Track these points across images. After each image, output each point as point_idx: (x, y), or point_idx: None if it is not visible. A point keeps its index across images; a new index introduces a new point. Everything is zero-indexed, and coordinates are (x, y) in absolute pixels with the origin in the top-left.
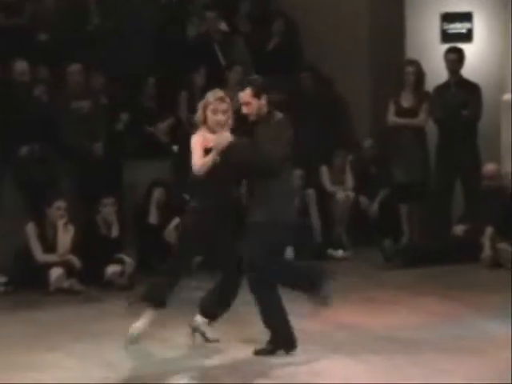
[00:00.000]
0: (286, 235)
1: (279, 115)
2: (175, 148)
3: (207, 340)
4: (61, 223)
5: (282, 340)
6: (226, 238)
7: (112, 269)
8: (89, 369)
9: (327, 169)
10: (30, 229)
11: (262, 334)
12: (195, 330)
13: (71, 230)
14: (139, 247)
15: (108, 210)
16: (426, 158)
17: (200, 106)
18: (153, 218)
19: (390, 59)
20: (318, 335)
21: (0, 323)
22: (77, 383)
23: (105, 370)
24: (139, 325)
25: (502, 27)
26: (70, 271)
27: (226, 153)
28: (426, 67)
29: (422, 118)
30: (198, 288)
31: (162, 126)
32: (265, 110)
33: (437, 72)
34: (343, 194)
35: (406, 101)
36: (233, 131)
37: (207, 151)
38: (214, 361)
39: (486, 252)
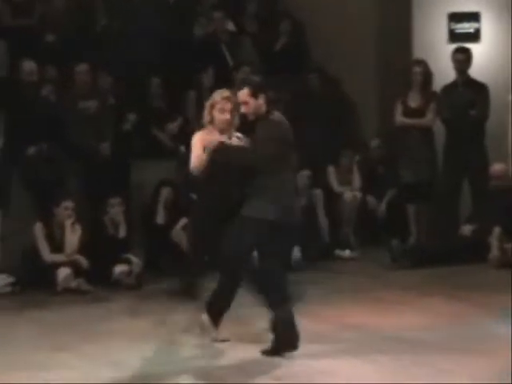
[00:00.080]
0: (266, 234)
1: (278, 114)
2: (182, 148)
3: (216, 340)
4: (68, 223)
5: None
6: None
7: (119, 269)
8: (96, 368)
9: (334, 169)
10: (38, 228)
11: (269, 334)
12: (203, 329)
13: (79, 229)
14: (147, 247)
15: (115, 210)
16: (433, 158)
17: (207, 105)
18: (160, 218)
19: (397, 59)
20: (325, 335)
21: (7, 323)
22: (84, 383)
23: (112, 370)
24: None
25: (509, 27)
26: (77, 271)
27: (216, 153)
28: (433, 67)
29: (430, 118)
30: (207, 288)
31: (172, 127)
32: (263, 109)
33: (444, 72)
34: (350, 194)
35: (414, 101)
36: (237, 130)
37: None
38: (220, 361)
39: (494, 252)
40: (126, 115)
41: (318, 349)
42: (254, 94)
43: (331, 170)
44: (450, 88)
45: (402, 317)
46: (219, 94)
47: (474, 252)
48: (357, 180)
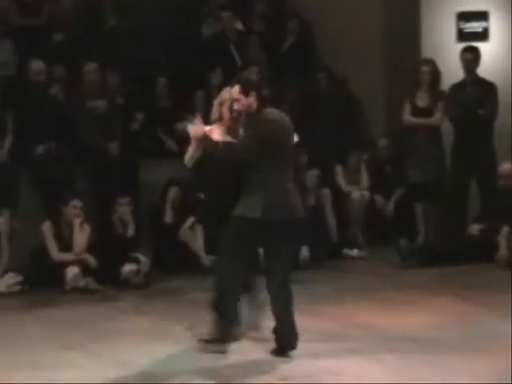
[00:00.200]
0: (248, 233)
1: (273, 112)
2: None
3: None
4: (77, 222)
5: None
6: None
7: (128, 268)
8: (104, 367)
9: (342, 168)
10: (46, 227)
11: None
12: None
13: (87, 228)
14: (155, 246)
15: (124, 209)
16: (441, 158)
17: (215, 103)
18: (168, 217)
19: (405, 59)
20: (332, 334)
21: (15, 322)
22: (92, 382)
23: (120, 369)
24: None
25: None
26: (85, 270)
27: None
28: (441, 66)
29: (438, 118)
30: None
31: (181, 126)
32: (254, 106)
33: (453, 71)
34: (358, 193)
35: (422, 100)
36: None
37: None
38: (228, 360)
39: (502, 251)
40: (135, 115)
41: (326, 348)
42: (245, 92)
43: (339, 169)
44: (458, 87)
45: (409, 316)
46: (228, 92)
47: (482, 251)
48: (365, 179)
